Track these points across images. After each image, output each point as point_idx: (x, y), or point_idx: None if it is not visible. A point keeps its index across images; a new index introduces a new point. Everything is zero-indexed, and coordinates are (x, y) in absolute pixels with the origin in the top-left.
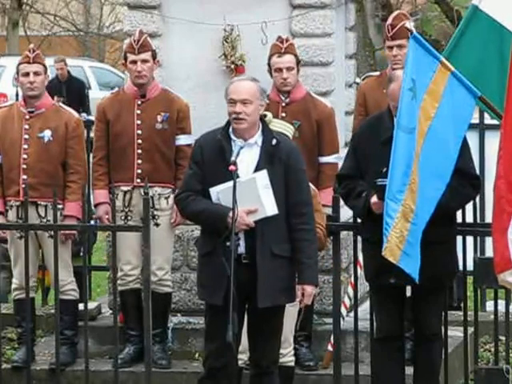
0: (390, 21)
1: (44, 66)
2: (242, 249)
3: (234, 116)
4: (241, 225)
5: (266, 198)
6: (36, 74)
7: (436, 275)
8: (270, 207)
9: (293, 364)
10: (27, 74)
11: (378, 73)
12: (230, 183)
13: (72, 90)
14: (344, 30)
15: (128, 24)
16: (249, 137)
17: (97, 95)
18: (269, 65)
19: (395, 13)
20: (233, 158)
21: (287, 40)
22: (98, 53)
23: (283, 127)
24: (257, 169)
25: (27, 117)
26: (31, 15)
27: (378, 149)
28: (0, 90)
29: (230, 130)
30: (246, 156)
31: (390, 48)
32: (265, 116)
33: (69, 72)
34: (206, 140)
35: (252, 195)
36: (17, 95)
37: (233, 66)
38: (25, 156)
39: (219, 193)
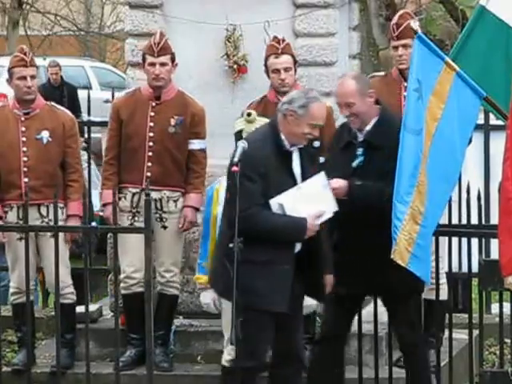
0: (395, 20)
1: (37, 67)
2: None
3: (309, 135)
4: (311, 232)
5: (329, 199)
6: (32, 77)
7: (382, 281)
8: (332, 207)
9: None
10: (24, 78)
11: (383, 73)
12: (292, 192)
13: (64, 95)
14: (347, 30)
15: (129, 24)
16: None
17: (98, 95)
18: (265, 66)
19: (400, 12)
20: (235, 159)
21: (283, 40)
22: (99, 52)
23: None
24: (303, 171)
25: (23, 119)
26: (31, 14)
27: (337, 156)
28: (0, 91)
29: (281, 136)
30: (295, 159)
31: (396, 48)
32: (249, 115)
33: (61, 77)
34: (261, 148)
35: (315, 199)
36: None
37: (235, 66)
38: (25, 158)
39: (283, 204)
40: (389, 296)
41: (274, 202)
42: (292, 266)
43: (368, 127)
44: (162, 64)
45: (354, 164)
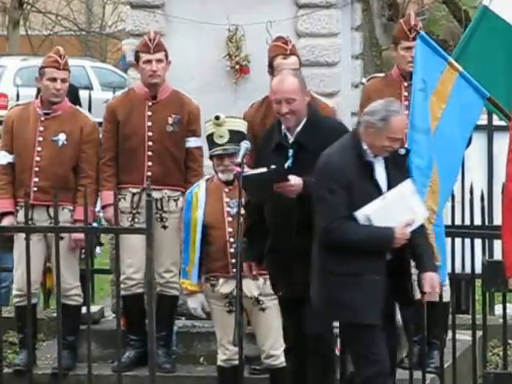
0: (412, 21)
1: (69, 71)
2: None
3: (388, 148)
4: (401, 241)
5: (418, 206)
6: (63, 80)
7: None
8: (422, 213)
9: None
10: (54, 80)
11: (382, 74)
12: (377, 201)
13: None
14: (350, 30)
15: (131, 23)
16: None
17: (99, 95)
18: (271, 66)
19: (413, 13)
20: (239, 160)
21: (290, 41)
22: (100, 52)
23: (237, 124)
24: (389, 179)
25: (42, 118)
26: (32, 14)
27: (268, 157)
28: (0, 90)
29: (363, 146)
30: (378, 168)
31: (409, 49)
32: (217, 118)
33: None
34: (344, 160)
35: (404, 207)
36: (17, 96)
37: (237, 67)
38: (38, 158)
39: (369, 215)
40: (308, 294)
41: (361, 214)
42: (383, 276)
43: (298, 128)
44: (158, 60)
45: (286, 165)
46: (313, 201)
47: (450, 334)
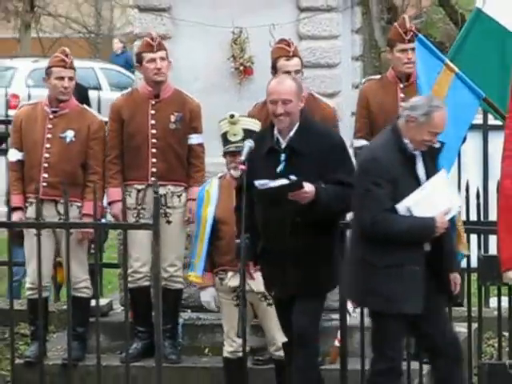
0: (407, 24)
1: (75, 70)
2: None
3: (428, 142)
4: (441, 229)
5: (452, 195)
6: (70, 79)
7: (305, 285)
8: (457, 202)
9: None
10: (62, 78)
11: (379, 76)
12: (416, 193)
13: (75, 95)
14: (350, 33)
15: (138, 26)
16: None
17: (108, 96)
18: (274, 67)
19: (407, 16)
20: (242, 158)
21: (293, 43)
22: (109, 54)
23: (251, 124)
24: (427, 173)
25: (51, 116)
26: (43, 17)
27: (260, 161)
28: (12, 91)
29: (404, 140)
30: (419, 163)
31: (404, 51)
32: (232, 116)
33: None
34: (387, 154)
35: (441, 197)
36: (29, 96)
37: (241, 68)
38: (47, 155)
39: (410, 206)
40: (298, 291)
41: (402, 206)
42: (422, 266)
43: (291, 133)
44: (162, 58)
45: (278, 170)
46: (355, 195)
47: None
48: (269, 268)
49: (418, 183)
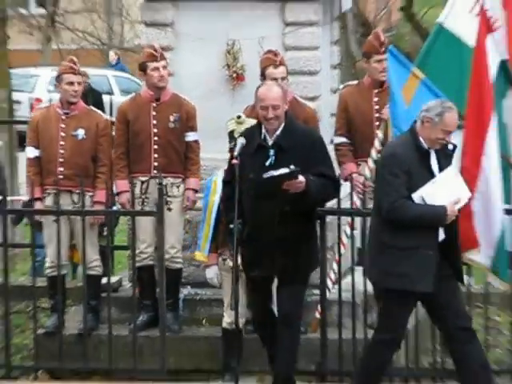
0: (382, 38)
1: (82, 75)
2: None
3: (442, 140)
4: (451, 217)
5: (462, 187)
6: (78, 83)
7: (287, 267)
8: (466, 193)
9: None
10: (72, 83)
11: (356, 82)
12: (430, 184)
13: (89, 101)
14: (329, 44)
15: (145, 39)
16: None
17: (119, 99)
18: (263, 75)
19: (380, 31)
20: (235, 154)
21: (279, 53)
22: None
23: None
24: (440, 169)
25: (63, 117)
26: (62, 31)
27: (250, 157)
28: (35, 95)
29: (420, 138)
30: (433, 159)
31: (380, 61)
32: (239, 117)
33: (90, 85)
34: (405, 151)
35: (451, 188)
36: (50, 100)
37: (234, 75)
38: (62, 151)
39: (423, 195)
40: (285, 277)
41: (416, 195)
42: (435, 251)
43: (278, 132)
44: (163, 67)
45: (267, 163)
46: (378, 185)
47: None
48: (254, 253)
49: (431, 176)
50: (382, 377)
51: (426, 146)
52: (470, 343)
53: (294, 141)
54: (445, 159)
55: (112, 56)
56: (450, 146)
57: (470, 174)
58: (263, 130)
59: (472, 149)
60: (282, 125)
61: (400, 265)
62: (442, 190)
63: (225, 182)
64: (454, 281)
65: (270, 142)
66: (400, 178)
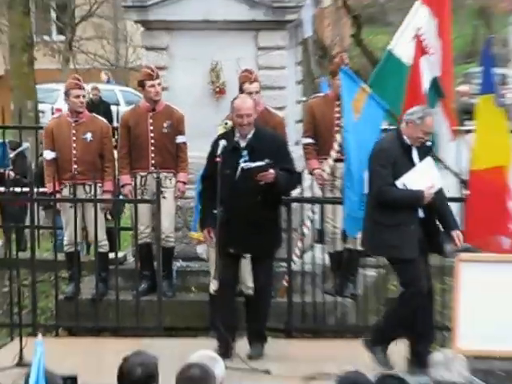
0: (346, 60)
1: (85, 90)
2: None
3: (421, 138)
4: (428, 199)
5: (435, 175)
6: (83, 96)
7: (259, 246)
8: (438, 181)
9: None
10: (78, 97)
11: (322, 94)
12: (410, 173)
13: (100, 110)
14: (294, 64)
15: (145, 60)
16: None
17: (124, 109)
18: (241, 89)
19: (345, 55)
20: (218, 153)
21: (253, 72)
22: (125, 80)
23: None
24: (420, 159)
25: (73, 124)
26: (78, 54)
27: (227, 155)
28: (56, 106)
29: (404, 137)
30: (414, 154)
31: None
32: (226, 124)
33: (100, 97)
34: (389, 146)
35: (427, 176)
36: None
37: (217, 89)
38: (74, 152)
39: (405, 182)
40: (256, 255)
41: (400, 182)
42: (417, 226)
43: (249, 136)
44: (159, 84)
45: (241, 162)
46: (369, 174)
47: (362, 271)
48: (232, 234)
49: (412, 167)
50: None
51: (408, 142)
52: (430, 302)
53: (262, 143)
54: (423, 154)
55: (103, 76)
56: (428, 143)
57: None
58: (237, 134)
59: None
60: (253, 130)
61: (389, 238)
62: (420, 178)
63: (204, 177)
64: (426, 253)
65: (243, 144)
66: (387, 169)
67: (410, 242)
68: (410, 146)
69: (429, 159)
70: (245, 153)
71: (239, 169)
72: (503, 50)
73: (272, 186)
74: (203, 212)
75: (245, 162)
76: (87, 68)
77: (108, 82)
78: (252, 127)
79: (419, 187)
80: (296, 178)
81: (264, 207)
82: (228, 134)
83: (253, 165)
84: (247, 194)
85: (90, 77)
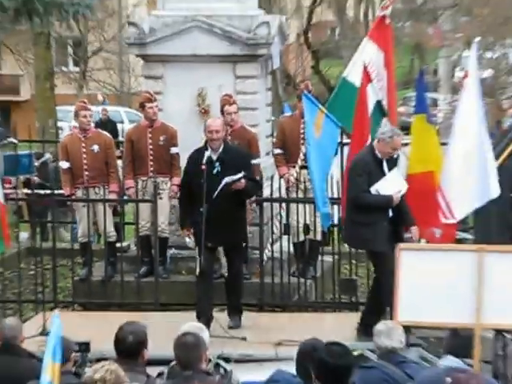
0: (310, 87)
1: (91, 110)
2: (391, 213)
3: (390, 153)
4: (396, 202)
5: (401, 182)
6: (90, 116)
7: (231, 240)
8: (403, 187)
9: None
10: (85, 116)
11: (290, 113)
12: (381, 182)
13: (108, 128)
14: (265, 90)
15: (145, 86)
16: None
17: (128, 127)
18: (222, 111)
19: (309, 82)
20: (204, 162)
21: (232, 96)
22: (128, 103)
23: None
24: (389, 171)
25: (83, 139)
26: (90, 82)
27: (199, 169)
28: (73, 124)
29: (376, 151)
30: (385, 165)
31: None
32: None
33: (108, 117)
34: (364, 159)
35: (394, 183)
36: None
37: (203, 111)
38: (85, 161)
39: (378, 188)
40: (229, 247)
41: (373, 189)
42: (387, 223)
43: (220, 150)
44: (156, 106)
45: (214, 172)
46: (348, 182)
47: (320, 257)
48: (209, 230)
49: (383, 176)
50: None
51: (380, 156)
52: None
53: (231, 156)
54: (392, 165)
55: (99, 97)
56: (396, 156)
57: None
58: (209, 150)
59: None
60: (222, 146)
61: (364, 233)
62: (390, 185)
63: (181, 186)
64: (393, 244)
65: (215, 157)
66: (363, 177)
67: (381, 237)
68: (381, 159)
69: (396, 169)
70: (217, 164)
71: (223, 182)
72: (434, 79)
73: (241, 192)
74: (182, 215)
75: (216, 173)
76: (97, 93)
77: (104, 102)
78: (221, 143)
79: (389, 192)
80: (257, 186)
81: (234, 209)
82: (202, 149)
83: (235, 178)
84: (222, 199)
85: (111, 101)
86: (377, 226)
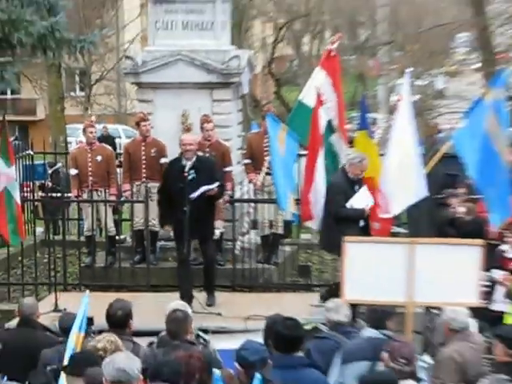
0: (272, 108)
1: (96, 128)
2: (362, 223)
3: (359, 174)
4: (366, 214)
5: (369, 197)
6: (95, 132)
7: (205, 233)
8: (371, 200)
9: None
10: (91, 132)
11: (257, 130)
12: (354, 197)
13: (108, 142)
14: (236, 111)
15: (139, 108)
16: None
17: (125, 142)
18: (201, 128)
19: (270, 105)
20: (186, 170)
21: (209, 116)
22: (125, 122)
23: None
24: (359, 188)
25: (89, 151)
26: (94, 104)
27: (177, 175)
28: (80, 139)
29: (349, 174)
30: (356, 184)
31: None
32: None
33: (108, 133)
34: (340, 181)
35: (364, 198)
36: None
37: (186, 128)
38: (90, 169)
39: (352, 204)
40: (203, 239)
41: (348, 204)
42: (359, 230)
43: (193, 159)
44: (149, 124)
45: (190, 178)
46: (327, 198)
47: (281, 247)
48: (188, 225)
49: (355, 193)
50: None
51: (351, 177)
52: None
53: (202, 165)
54: (360, 183)
55: (93, 118)
56: (360, 176)
57: (308, 183)
58: (184, 160)
59: (309, 169)
60: (195, 157)
61: (339, 238)
62: (361, 200)
63: (160, 191)
64: None
65: (190, 166)
66: (340, 196)
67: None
68: (352, 180)
69: (364, 187)
70: (192, 172)
71: (201, 189)
72: (374, 102)
73: (212, 196)
74: (161, 215)
75: (192, 179)
76: (99, 114)
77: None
78: (194, 154)
79: (361, 206)
80: (223, 190)
81: (207, 209)
82: (178, 158)
83: (211, 187)
84: (198, 201)
85: (102, 120)
86: (351, 233)
